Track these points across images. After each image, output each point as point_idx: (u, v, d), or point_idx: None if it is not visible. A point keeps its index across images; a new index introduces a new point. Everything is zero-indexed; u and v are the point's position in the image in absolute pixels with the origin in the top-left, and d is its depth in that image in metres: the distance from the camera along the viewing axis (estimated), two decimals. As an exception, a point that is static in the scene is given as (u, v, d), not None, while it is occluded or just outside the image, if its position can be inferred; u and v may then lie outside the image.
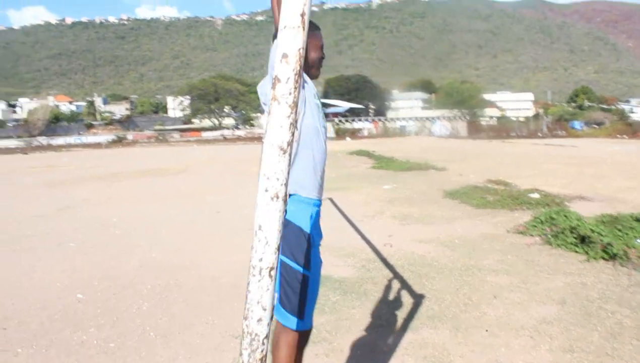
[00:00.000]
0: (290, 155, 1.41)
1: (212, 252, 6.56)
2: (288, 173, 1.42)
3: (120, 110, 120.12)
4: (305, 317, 2.29)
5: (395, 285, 4.92)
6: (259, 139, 52.03)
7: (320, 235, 2.44)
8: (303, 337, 2.39)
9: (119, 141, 55.74)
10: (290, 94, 1.38)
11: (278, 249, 1.43)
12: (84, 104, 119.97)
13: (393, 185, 12.02)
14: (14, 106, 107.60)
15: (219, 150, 33.99)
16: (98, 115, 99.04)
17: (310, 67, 2.33)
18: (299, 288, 2.26)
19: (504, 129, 50.08)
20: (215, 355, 3.61)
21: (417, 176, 13.88)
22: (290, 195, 2.27)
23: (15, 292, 5.18)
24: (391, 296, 4.65)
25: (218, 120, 74.44)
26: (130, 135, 62.53)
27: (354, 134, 55.44)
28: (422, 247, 6.30)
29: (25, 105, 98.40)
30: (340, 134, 54.11)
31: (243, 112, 75.39)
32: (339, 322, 4.09)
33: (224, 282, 5.28)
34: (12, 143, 49.40)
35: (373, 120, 67.79)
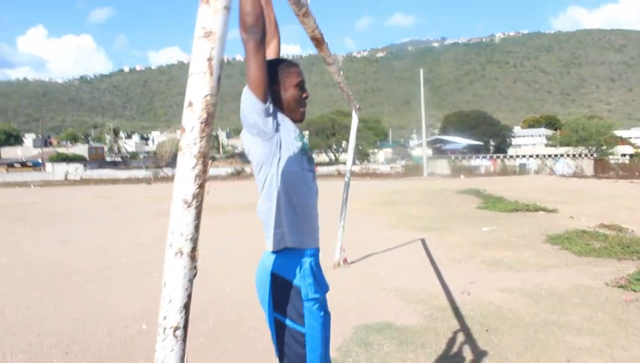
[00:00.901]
0: (196, 208, 1.32)
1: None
2: (195, 227, 1.33)
3: (242, 144, 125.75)
4: None
5: (459, 338, 4.57)
6: (372, 174, 52.21)
7: (321, 287, 2.27)
8: None
9: (237, 174, 58.35)
10: (195, 144, 1.30)
11: (185, 307, 1.34)
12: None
13: (493, 227, 11.39)
14: (146, 139, 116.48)
15: (330, 185, 34.32)
16: (221, 149, 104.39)
17: (288, 108, 2.20)
18: (297, 347, 2.12)
19: (636, 168, 46.01)
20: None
21: (522, 218, 13.06)
22: (282, 250, 2.16)
23: (91, 317, 5.47)
24: (450, 351, 4.32)
25: (335, 155, 75.57)
26: (248, 169, 65.31)
27: (471, 171, 53.76)
28: (502, 297, 5.84)
29: (157, 138, 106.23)
30: (455, 171, 52.76)
31: (360, 147, 76.16)
32: (385, 375, 3.84)
33: (285, 323, 5.20)
34: (140, 173, 53.41)
35: (491, 157, 65.52)
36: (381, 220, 13.58)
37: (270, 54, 2.37)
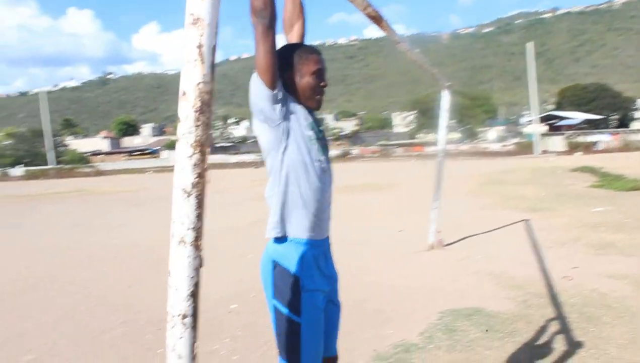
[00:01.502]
0: (196, 197, 1.28)
1: (374, 273, 6.45)
2: (197, 216, 1.29)
3: (349, 126, 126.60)
4: None
5: (553, 327, 4.26)
6: (482, 153, 50.41)
7: (327, 278, 2.20)
8: None
9: (344, 156, 58.71)
10: (190, 133, 1.27)
11: (192, 295, 1.32)
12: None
13: (607, 208, 10.55)
14: (237, 122, 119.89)
15: (431, 165, 33.54)
16: (328, 131, 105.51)
17: (303, 96, 2.10)
18: (291, 335, 2.07)
19: None
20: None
21: (643, 197, 12.01)
22: (284, 237, 2.10)
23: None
24: (541, 340, 4.03)
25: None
26: (355, 151, 65.55)
27: (588, 148, 50.30)
28: (608, 284, 5.37)
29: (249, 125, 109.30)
30: (572, 147, 49.66)
31: (468, 126, 73.86)
32: (465, 362, 3.65)
33: (370, 307, 5.13)
34: (249, 157, 55.22)
35: (613, 132, 60.90)
36: (485, 201, 13.05)
37: (293, 37, 2.29)
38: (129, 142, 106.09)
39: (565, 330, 4.18)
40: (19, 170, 56.16)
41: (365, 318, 4.74)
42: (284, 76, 2.03)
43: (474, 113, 72.80)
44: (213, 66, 1.27)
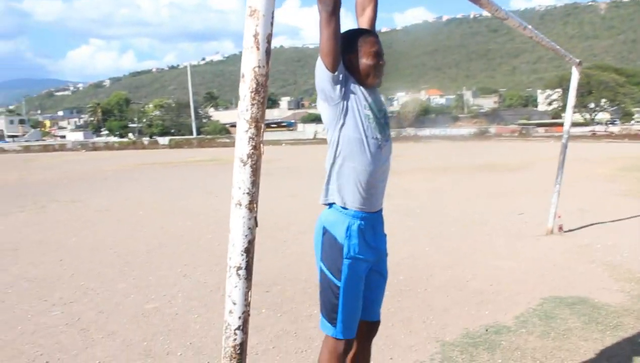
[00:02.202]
0: (251, 167, 1.51)
1: (484, 254, 6.38)
2: (252, 183, 1.52)
3: (488, 103, 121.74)
4: (338, 326, 2.26)
5: (664, 325, 3.98)
6: (633, 136, 46.14)
7: (372, 249, 2.33)
8: (360, 340, 2.41)
9: (481, 134, 56.75)
10: (247, 110, 1.46)
11: (246, 251, 1.55)
12: (453, 97, 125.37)
13: None
14: (391, 99, 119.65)
15: (576, 147, 31.44)
16: (466, 109, 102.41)
17: (363, 75, 2.22)
18: (331, 296, 2.26)
19: None
20: (412, 354, 3.61)
21: None
22: (330, 204, 2.27)
23: (294, 264, 6.16)
24: (646, 336, 3.80)
25: (590, 115, 68.63)
26: (492, 129, 63.03)
27: None
28: None
29: (401, 99, 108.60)
30: None
31: (622, 105, 68.11)
32: (555, 351, 3.59)
33: (472, 286, 5.12)
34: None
35: None
36: (622, 188, 12.11)
37: (363, 21, 2.40)
38: (267, 114, 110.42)
39: (677, 329, 3.90)
40: (165, 139, 60.90)
41: (465, 297, 4.77)
42: (346, 58, 2.19)
43: (628, 91, 66.88)
44: (268, 53, 1.45)
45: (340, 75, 2.14)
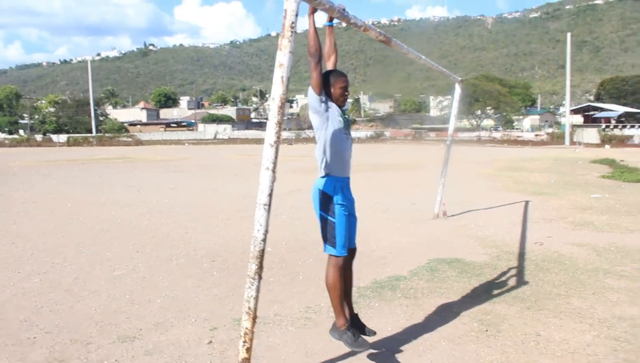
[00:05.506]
0: (275, 148, 2.73)
1: (385, 232, 7.88)
2: (275, 157, 2.75)
3: (384, 108, 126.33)
4: (337, 247, 3.53)
5: (511, 272, 5.64)
6: (512, 141, 50.87)
7: (349, 199, 3.65)
8: (348, 258, 3.66)
9: (376, 137, 59.87)
10: (275, 117, 2.76)
11: (269, 195, 2.77)
12: (350, 101, 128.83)
13: (605, 195, 11.71)
14: (291, 101, 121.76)
15: (464, 150, 34.57)
16: (362, 112, 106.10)
17: (335, 99, 3.57)
18: (331, 229, 3.55)
19: None
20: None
21: (644, 189, 13.08)
22: (326, 175, 3.53)
23: (230, 241, 7.40)
24: (499, 279, 5.42)
25: (476, 121, 74.02)
26: (387, 132, 66.49)
27: (623, 141, 50.23)
28: (569, 249, 6.69)
29: (301, 101, 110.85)
30: (605, 140, 49.60)
31: (504, 113, 74.00)
32: (437, 289, 5.10)
33: (377, 254, 6.56)
34: (284, 134, 56.60)
35: (652, 126, 60.27)
36: (497, 184, 14.29)
37: (329, 65, 3.72)
38: (167, 113, 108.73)
39: (519, 274, 5.57)
40: (62, 137, 58.71)
41: (371, 262, 6.20)
42: (327, 88, 3.53)
43: (510, 101, 72.86)
44: (287, 87, 2.73)
45: (323, 97, 3.46)
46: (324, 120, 3.50)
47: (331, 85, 3.55)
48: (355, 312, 3.80)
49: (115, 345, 3.90)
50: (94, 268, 6.10)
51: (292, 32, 2.73)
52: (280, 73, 2.71)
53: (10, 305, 4.83)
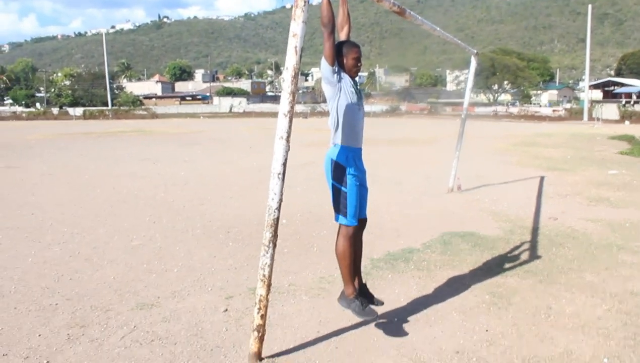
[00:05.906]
0: (290, 119, 2.75)
1: (399, 205, 7.93)
2: (289, 127, 2.78)
3: (400, 81, 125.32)
4: (348, 216, 3.57)
5: (524, 246, 5.66)
6: (530, 117, 50.30)
7: (360, 170, 3.66)
8: (358, 228, 3.69)
9: (392, 111, 59.50)
10: (289, 87, 2.79)
11: (283, 164, 2.82)
12: (366, 74, 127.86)
13: (622, 171, 11.60)
14: (307, 75, 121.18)
15: (480, 125, 34.29)
16: (378, 86, 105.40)
17: (348, 70, 3.56)
18: (343, 199, 3.57)
19: None
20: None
21: (662, 165, 12.94)
22: (336, 145, 3.56)
23: (245, 212, 7.52)
24: (511, 252, 5.45)
25: (493, 96, 73.17)
26: (403, 107, 66.01)
27: (643, 117, 49.37)
28: (583, 224, 6.68)
29: (316, 74, 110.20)
30: (625, 116, 48.81)
31: (521, 88, 73.05)
32: (450, 262, 5.15)
33: (390, 226, 6.61)
34: (299, 108, 56.63)
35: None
36: (512, 159, 14.22)
37: (342, 36, 3.70)
38: (182, 87, 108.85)
39: (532, 248, 5.59)
40: (78, 110, 59.01)
41: (384, 234, 6.25)
42: (339, 59, 3.51)
43: (527, 75, 71.88)
44: (300, 57, 2.75)
45: (336, 68, 3.44)
46: (337, 91, 3.50)
47: (344, 56, 3.54)
48: (364, 281, 3.85)
49: (134, 312, 4.00)
50: (112, 238, 6.22)
51: (305, 1, 2.74)
52: (293, 43, 2.73)
53: (32, 274, 4.96)
